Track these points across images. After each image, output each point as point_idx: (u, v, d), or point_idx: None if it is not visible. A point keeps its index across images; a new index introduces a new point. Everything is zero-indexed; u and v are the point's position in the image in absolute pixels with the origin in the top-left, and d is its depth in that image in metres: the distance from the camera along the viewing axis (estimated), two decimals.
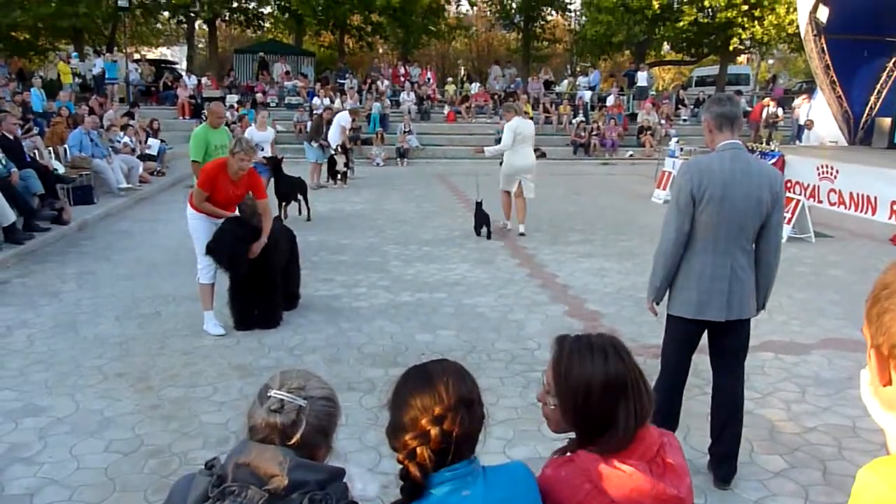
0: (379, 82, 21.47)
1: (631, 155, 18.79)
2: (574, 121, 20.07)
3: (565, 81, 26.79)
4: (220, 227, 4.39)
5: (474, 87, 22.44)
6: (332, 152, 11.52)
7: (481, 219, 7.94)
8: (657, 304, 2.85)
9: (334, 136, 13.02)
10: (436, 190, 11.80)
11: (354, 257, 6.75)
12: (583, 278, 6.03)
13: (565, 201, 10.95)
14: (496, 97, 21.76)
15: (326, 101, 19.22)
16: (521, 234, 7.88)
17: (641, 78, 22.32)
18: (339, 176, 11.10)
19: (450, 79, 25.32)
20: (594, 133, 18.90)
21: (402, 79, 22.89)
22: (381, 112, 19.31)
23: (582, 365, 1.31)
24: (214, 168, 4.44)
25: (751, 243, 2.70)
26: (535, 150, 19.02)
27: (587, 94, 21.99)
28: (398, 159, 17.45)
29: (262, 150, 7.99)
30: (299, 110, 18.61)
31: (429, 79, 22.84)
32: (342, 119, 13.15)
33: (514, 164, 8.34)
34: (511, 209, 8.38)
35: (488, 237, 7.79)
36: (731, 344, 2.78)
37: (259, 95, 20.03)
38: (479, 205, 8.11)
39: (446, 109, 20.67)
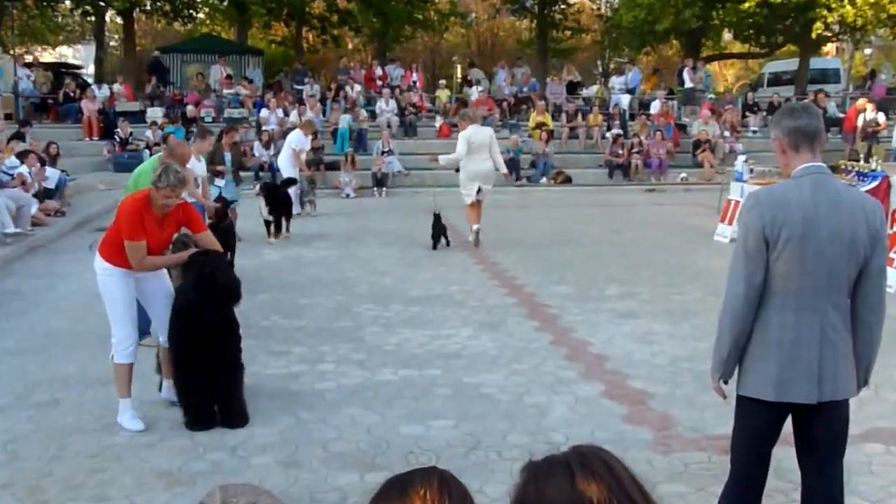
0: (348, 88, 21.97)
1: (684, 178, 19.20)
2: (608, 134, 20.53)
3: (595, 84, 27.50)
4: (198, 269, 4.38)
5: (475, 92, 22.93)
6: (256, 194, 11.08)
7: (439, 230, 10.52)
8: (725, 381, 2.86)
9: (286, 164, 13.25)
10: (425, 229, 11.94)
11: (317, 322, 6.79)
12: (624, 346, 6.08)
13: (599, 241, 11.12)
14: (505, 104, 22.31)
15: (279, 114, 19.78)
16: (474, 230, 10.61)
17: (694, 77, 22.95)
18: (271, 228, 10.86)
19: (442, 81, 25.92)
20: (635, 150, 19.31)
21: (380, 83, 23.44)
22: (351, 127, 19.79)
23: (538, 495, 1.22)
24: (136, 206, 4.47)
25: (845, 297, 2.69)
26: (558, 174, 20.13)
27: (624, 100, 22.57)
28: (375, 189, 17.75)
29: (198, 185, 8.14)
30: (243, 127, 18.93)
31: (414, 82, 23.40)
32: (294, 140, 13.40)
33: (470, 169, 10.70)
34: (476, 217, 10.80)
35: (447, 244, 10.56)
36: (824, 433, 2.76)
37: (190, 108, 20.37)
38: (437, 217, 10.59)
39: (438, 122, 21.11)
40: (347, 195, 17.15)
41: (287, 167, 13.23)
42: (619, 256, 9.92)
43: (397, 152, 18.74)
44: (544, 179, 18.97)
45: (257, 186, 11.52)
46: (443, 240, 10.57)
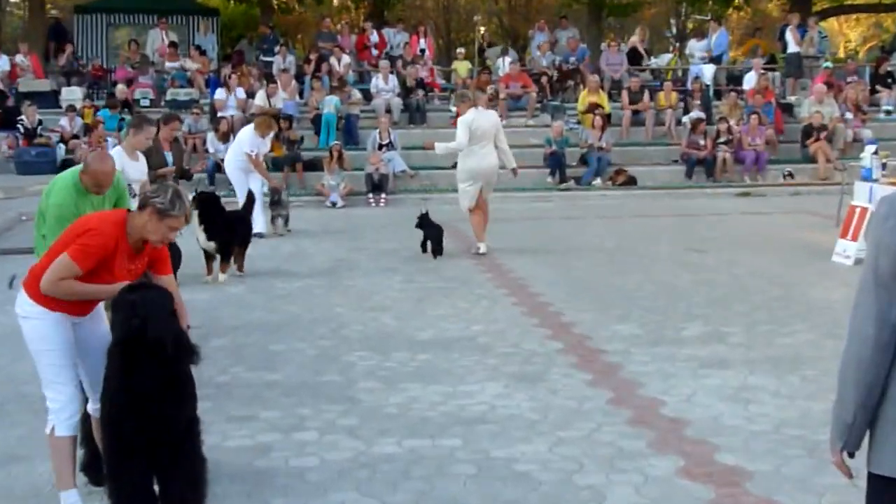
0: (334, 60, 22.21)
1: (789, 175, 19.22)
2: (686, 119, 20.60)
3: (668, 51, 27.54)
4: (126, 299, 4.36)
5: (504, 64, 23.10)
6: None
7: (430, 233, 11.56)
8: (851, 455, 2.86)
9: (235, 173, 13.20)
10: (442, 253, 11.96)
11: (295, 375, 6.84)
12: (710, 406, 6.07)
13: (674, 264, 11.14)
14: (545, 80, 22.46)
15: (240, 95, 20.02)
16: (481, 253, 11.55)
17: (804, 39, 22.96)
18: (213, 260, 10.54)
19: (460, 50, 26.12)
20: (722, 140, 19.36)
21: (375, 52, 23.69)
22: (338, 112, 20.00)
23: None
24: (108, 232, 4.49)
25: None
26: (618, 174, 20.50)
27: (707, 72, 22.67)
28: (370, 195, 17.94)
29: (134, 195, 8.25)
30: (193, 112, 19.19)
31: (422, 51, 23.59)
32: (245, 141, 13.31)
33: (470, 164, 11.39)
34: (482, 228, 11.74)
35: (438, 254, 11.58)
36: None
37: (121, 87, 20.53)
38: (424, 217, 11.65)
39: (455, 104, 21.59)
40: (334, 204, 17.29)
41: (237, 178, 13.23)
42: (701, 285, 9.93)
43: (400, 146, 18.90)
44: (599, 181, 19.05)
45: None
46: (431, 245, 11.61)
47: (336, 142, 18.45)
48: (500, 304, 9.10)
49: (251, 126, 13.34)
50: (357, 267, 11.20)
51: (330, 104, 19.81)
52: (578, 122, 20.65)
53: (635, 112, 21.04)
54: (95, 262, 4.43)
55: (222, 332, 8.07)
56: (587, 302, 9.12)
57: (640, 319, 8.39)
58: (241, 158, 13.08)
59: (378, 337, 7.89)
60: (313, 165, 18.49)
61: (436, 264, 11.17)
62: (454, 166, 11.39)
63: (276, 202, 13.71)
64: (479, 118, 11.46)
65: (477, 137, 11.33)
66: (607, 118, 20.00)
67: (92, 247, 4.42)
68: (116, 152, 8.62)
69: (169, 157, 11.48)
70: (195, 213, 10.09)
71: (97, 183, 5.75)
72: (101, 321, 4.79)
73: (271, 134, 13.88)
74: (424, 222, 11.77)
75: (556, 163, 18.89)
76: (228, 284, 10.17)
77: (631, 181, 19.00)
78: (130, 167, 8.33)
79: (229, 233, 10.47)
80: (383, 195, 17.65)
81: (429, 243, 11.66)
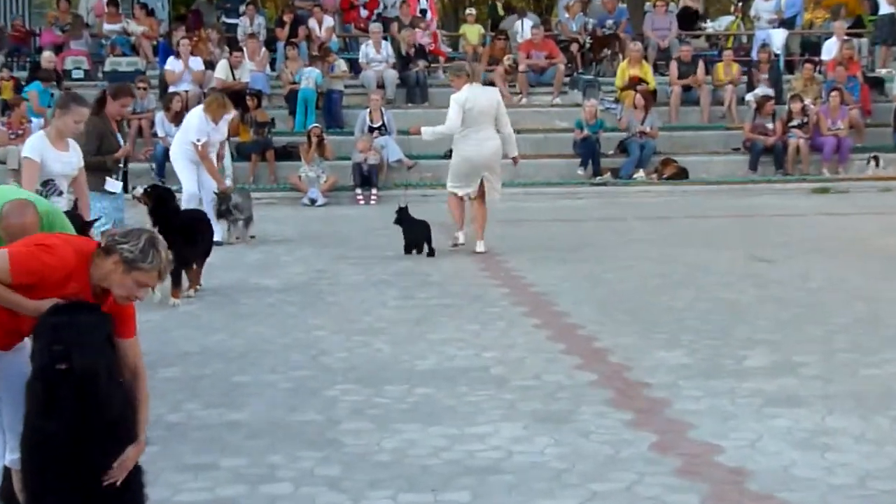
0: (313, 22, 22.24)
1: (874, 162, 19.14)
2: (750, 97, 20.63)
3: (728, 13, 27.51)
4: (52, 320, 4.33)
5: (525, 29, 23.11)
6: (137, 196, 10.54)
7: (414, 232, 12.27)
8: None
9: (181, 164, 12.86)
10: (443, 258, 11.99)
11: (263, 414, 6.85)
12: (779, 453, 6.04)
13: (733, 275, 11.25)
14: (575, 48, 22.45)
15: (196, 66, 20.00)
16: (479, 252, 12.13)
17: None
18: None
19: (470, 12, 26.13)
20: (795, 123, 19.35)
21: (365, 13, 23.71)
22: (319, 88, 20.02)
23: None
24: (65, 257, 4.50)
25: None
26: (665, 165, 20.62)
27: (777, 38, 22.66)
28: (358, 190, 18.00)
29: (61, 192, 8.26)
30: (138, 87, 19.15)
31: (423, 11, 23.65)
32: (192, 126, 12.99)
33: (467, 154, 11.99)
34: (463, 214, 12.51)
35: (430, 254, 12.26)
36: None
37: (47, 54, 20.46)
38: (403, 211, 12.25)
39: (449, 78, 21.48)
40: (313, 201, 17.36)
41: (184, 170, 13.11)
42: (767, 302, 9.94)
43: (395, 129, 18.93)
44: (641, 173, 19.09)
45: (138, 190, 10.71)
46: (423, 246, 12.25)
47: (316, 124, 18.49)
48: (519, 326, 9.12)
49: (201, 107, 13.19)
50: (341, 279, 11.22)
51: (308, 77, 19.86)
52: (616, 101, 20.71)
53: (687, 88, 21.07)
54: (33, 279, 4.44)
55: (174, 359, 8.08)
56: (626, 323, 9.15)
57: (691, 345, 8.40)
58: (189, 147, 13.00)
59: (367, 366, 7.89)
60: (287, 153, 18.56)
61: (440, 277, 11.19)
62: (449, 154, 11.65)
63: (223, 212, 13.28)
64: (476, 96, 11.77)
65: (472, 119, 11.65)
66: (652, 96, 20.04)
67: (38, 261, 4.44)
68: (37, 138, 8.51)
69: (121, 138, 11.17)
70: (146, 207, 10.16)
71: (12, 237, 5.29)
72: (23, 351, 4.80)
73: (227, 117, 13.56)
74: (403, 218, 12.07)
75: (588, 151, 18.95)
76: (182, 300, 10.21)
77: (681, 174, 19.03)
78: (54, 158, 8.24)
79: (186, 241, 10.10)
80: (374, 191, 17.70)
81: (418, 244, 12.12)
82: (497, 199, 12.69)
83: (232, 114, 14.03)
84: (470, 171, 11.92)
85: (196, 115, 13.19)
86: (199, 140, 12.84)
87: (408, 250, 12.11)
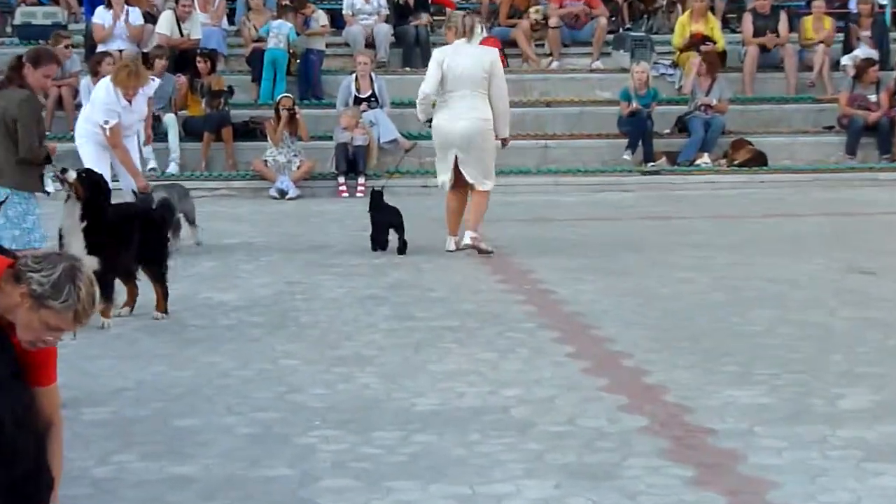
0: None
1: None
2: (847, 60, 20.55)
3: None
4: None
5: None
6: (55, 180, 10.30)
7: (383, 221, 12.73)
8: None
9: (88, 148, 12.43)
10: (449, 267, 11.96)
11: (217, 468, 6.81)
12: None
13: (824, 291, 11.24)
14: None
15: (134, 21, 19.92)
16: (466, 247, 12.63)
17: None
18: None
19: None
20: None
21: None
22: (291, 47, 19.96)
23: None
24: None
25: None
26: (739, 146, 20.57)
27: None
28: (341, 179, 17.98)
29: None
30: (59, 44, 19.18)
31: None
32: (98, 103, 12.45)
33: (438, 123, 12.57)
34: (458, 216, 12.89)
35: (400, 250, 12.72)
36: None
37: None
38: (377, 195, 12.79)
39: (477, 34, 21.33)
40: (283, 193, 17.36)
41: (92, 157, 12.44)
42: (870, 327, 9.90)
43: (388, 101, 18.90)
44: (706, 158, 19.08)
45: (70, 174, 10.02)
46: (391, 238, 12.82)
47: (286, 94, 18.50)
48: (547, 355, 9.10)
49: (109, 79, 12.69)
50: (319, 294, 11.21)
51: (278, 34, 19.85)
52: (674, 66, 20.69)
53: (765, 49, 21.02)
54: None
55: (102, 397, 8.05)
56: (685, 352, 9.12)
57: (770, 381, 8.36)
58: (97, 130, 12.59)
59: (352, 406, 7.86)
60: (250, 132, 18.59)
61: (445, 291, 11.18)
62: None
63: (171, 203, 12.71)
64: (457, 55, 12.11)
65: (451, 83, 11.97)
66: (720, 58, 20.00)
67: None
68: None
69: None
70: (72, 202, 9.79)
71: None
72: None
73: (145, 92, 13.08)
74: (374, 205, 12.41)
75: (637, 130, 18.94)
76: (114, 319, 10.20)
77: (757, 159, 19.02)
78: None
79: (120, 243, 10.03)
80: (362, 180, 17.69)
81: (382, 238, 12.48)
82: (486, 189, 12.80)
83: (152, 86, 13.46)
84: (442, 146, 12.34)
85: (103, 87, 12.71)
86: (106, 123, 12.40)
87: (372, 246, 12.43)
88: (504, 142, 12.97)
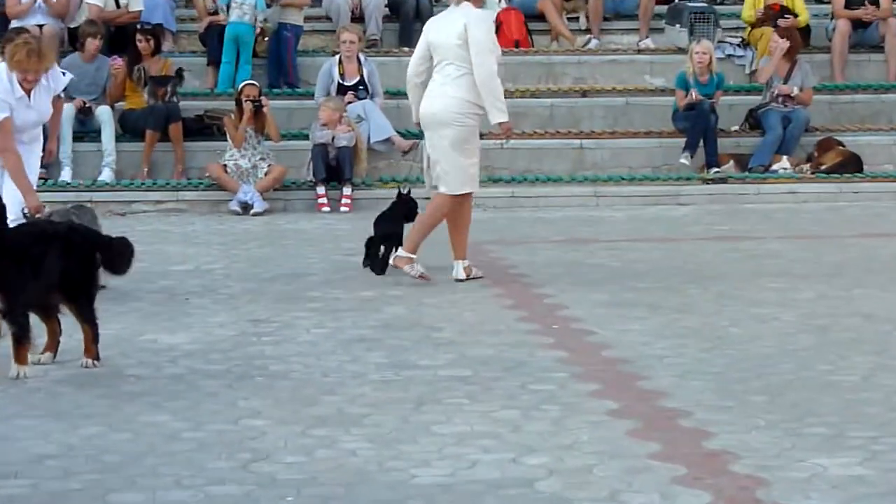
0: None
1: None
2: None
3: None
4: None
5: None
6: None
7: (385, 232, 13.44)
8: None
9: None
10: (460, 302, 12.00)
11: None
12: None
13: None
14: None
15: None
16: (459, 280, 13.10)
17: None
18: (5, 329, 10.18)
19: None
20: None
21: None
22: (259, 22, 19.98)
23: None
24: None
25: None
26: (827, 147, 20.75)
27: None
28: (320, 189, 17.99)
29: None
30: None
31: None
32: None
33: (422, 106, 13.11)
34: (459, 234, 13.28)
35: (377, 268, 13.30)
36: None
37: None
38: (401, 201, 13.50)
39: (493, 6, 21.90)
40: (246, 207, 17.38)
41: None
42: None
43: (381, 90, 18.94)
44: (786, 162, 19.12)
45: None
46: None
47: (251, 81, 18.56)
48: (583, 413, 9.11)
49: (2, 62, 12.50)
50: (293, 336, 11.22)
51: (242, 4, 19.89)
52: (744, 45, 20.73)
53: (860, 24, 21.07)
54: None
55: (20, 467, 8.02)
56: (759, 409, 9.11)
57: (867, 446, 8.29)
58: None
59: (334, 478, 7.85)
60: (205, 129, 18.60)
61: (454, 332, 11.17)
62: None
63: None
64: (439, 20, 12.75)
65: (435, 57, 12.58)
66: (804, 36, 20.04)
67: None
68: None
69: None
70: None
71: None
72: None
73: (51, 86, 12.63)
74: (400, 207, 12.92)
75: (698, 126, 18.97)
76: (33, 368, 10.21)
77: (851, 163, 19.03)
78: None
79: (28, 271, 10.02)
80: (347, 190, 17.72)
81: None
82: (446, 189, 13.03)
83: (61, 80, 12.92)
84: (425, 129, 12.90)
85: None
86: None
87: (367, 259, 13.05)
88: (504, 130, 13.31)
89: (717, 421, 8.84)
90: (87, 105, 18.55)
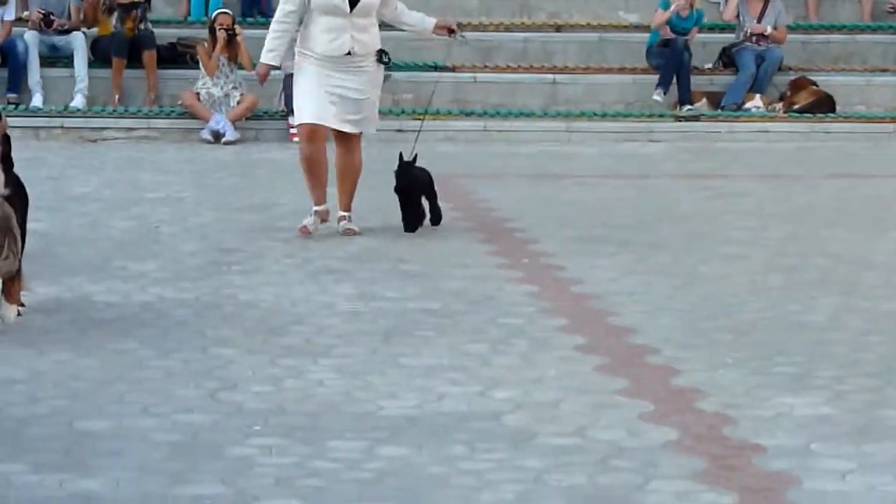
0: None
1: None
2: None
3: None
4: None
5: None
6: None
7: (415, 196, 12.62)
8: None
9: None
10: (430, 234, 11.99)
11: (130, 483, 6.80)
12: None
13: None
14: None
15: None
16: (347, 232, 12.70)
17: None
18: None
19: None
20: None
21: None
22: None
23: None
24: None
25: None
26: (799, 86, 20.71)
27: None
28: (291, 118, 17.79)
29: None
30: None
31: None
32: None
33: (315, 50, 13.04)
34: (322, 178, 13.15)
35: (434, 220, 12.52)
36: None
37: None
38: (407, 166, 12.55)
39: None
40: (218, 136, 17.33)
41: None
42: None
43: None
44: (759, 101, 19.09)
45: None
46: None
47: (224, 10, 18.45)
48: (552, 348, 9.12)
49: None
50: (262, 266, 11.22)
51: None
52: None
53: None
54: None
55: None
56: (726, 347, 9.14)
57: (833, 386, 8.35)
58: None
59: (302, 408, 7.81)
60: (177, 57, 18.50)
61: (423, 264, 11.13)
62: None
63: None
64: None
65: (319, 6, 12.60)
66: None
67: None
68: None
69: None
70: None
71: None
72: None
73: None
74: (403, 171, 12.30)
75: (672, 63, 18.93)
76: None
77: (823, 103, 19.03)
78: None
79: None
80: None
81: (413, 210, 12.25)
82: (370, 131, 13.35)
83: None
84: (315, 90, 13.00)
85: None
86: None
87: (407, 226, 12.44)
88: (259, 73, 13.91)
89: (685, 358, 8.86)
90: (62, 27, 18.52)
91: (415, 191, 12.25)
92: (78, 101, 18.46)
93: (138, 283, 10.67)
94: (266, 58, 13.37)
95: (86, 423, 7.59)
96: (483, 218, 12.62)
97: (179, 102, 18.01)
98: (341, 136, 12.86)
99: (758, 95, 18.91)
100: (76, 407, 7.83)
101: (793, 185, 15.22)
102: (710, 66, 19.62)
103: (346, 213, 12.67)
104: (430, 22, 13.11)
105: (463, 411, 7.85)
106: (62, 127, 17.64)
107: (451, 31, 13.29)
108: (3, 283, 9.58)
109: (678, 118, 18.64)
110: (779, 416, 7.82)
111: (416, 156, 12.37)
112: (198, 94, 17.58)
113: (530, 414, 7.82)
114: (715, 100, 18.97)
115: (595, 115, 18.44)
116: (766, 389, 8.27)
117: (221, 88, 17.47)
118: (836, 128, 18.43)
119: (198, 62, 17.96)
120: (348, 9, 12.57)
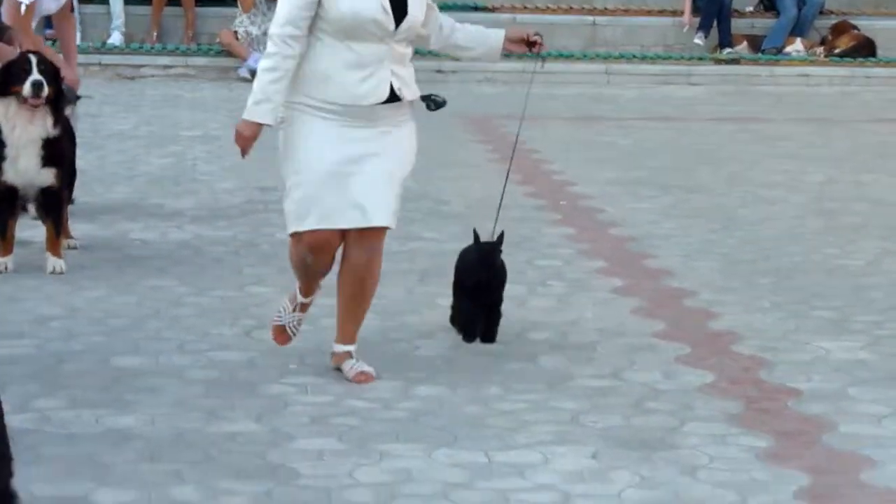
0: None
1: None
2: None
3: None
4: None
5: None
6: None
7: (472, 286, 8.52)
8: None
9: None
10: (466, 176, 11.98)
11: (165, 421, 6.82)
12: None
13: None
14: None
15: None
16: (358, 377, 7.80)
17: None
18: None
19: None
20: None
21: None
22: None
23: None
24: None
25: None
26: (841, 30, 20.57)
27: None
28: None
29: None
30: None
31: None
32: None
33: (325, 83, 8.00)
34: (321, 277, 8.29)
35: (486, 337, 8.33)
36: None
37: None
38: (490, 249, 8.73)
39: None
40: (256, 74, 17.25)
41: None
42: None
43: None
44: (798, 45, 19.00)
45: None
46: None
47: None
48: (588, 289, 9.15)
49: None
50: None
51: None
52: None
53: None
54: None
55: (22, 327, 8.07)
56: (764, 291, 9.16)
57: (870, 330, 8.38)
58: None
59: None
60: None
61: (463, 205, 11.12)
62: None
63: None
64: None
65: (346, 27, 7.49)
66: None
67: None
68: None
69: None
70: None
71: None
72: None
73: None
74: (484, 264, 8.53)
75: (712, 5, 18.82)
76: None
77: (864, 47, 18.93)
78: None
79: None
80: None
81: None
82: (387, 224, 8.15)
83: None
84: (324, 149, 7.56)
85: None
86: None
87: (464, 332, 8.34)
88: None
89: (723, 301, 8.86)
90: None
91: (492, 290, 8.44)
92: (115, 39, 18.46)
93: (175, 220, 10.68)
94: (255, 113, 8.27)
95: (122, 360, 7.62)
96: (521, 159, 12.55)
97: (217, 41, 17.99)
98: (359, 236, 7.78)
99: (798, 39, 18.82)
100: (113, 343, 7.85)
101: (833, 129, 15.15)
102: (751, 9, 19.52)
103: (350, 348, 7.87)
104: (498, 37, 8.44)
105: (498, 352, 7.86)
106: (100, 64, 17.62)
107: (530, 45, 8.69)
108: (46, 236, 9.60)
109: (718, 61, 18.56)
110: (815, 359, 7.81)
111: (502, 235, 8.82)
112: (235, 32, 17.56)
113: (566, 356, 7.83)
114: (755, 43, 18.89)
115: (634, 57, 18.37)
116: (804, 333, 8.26)
117: (259, 27, 17.44)
118: (877, 72, 18.34)
119: (235, 0, 17.92)
120: (393, 25, 7.60)
